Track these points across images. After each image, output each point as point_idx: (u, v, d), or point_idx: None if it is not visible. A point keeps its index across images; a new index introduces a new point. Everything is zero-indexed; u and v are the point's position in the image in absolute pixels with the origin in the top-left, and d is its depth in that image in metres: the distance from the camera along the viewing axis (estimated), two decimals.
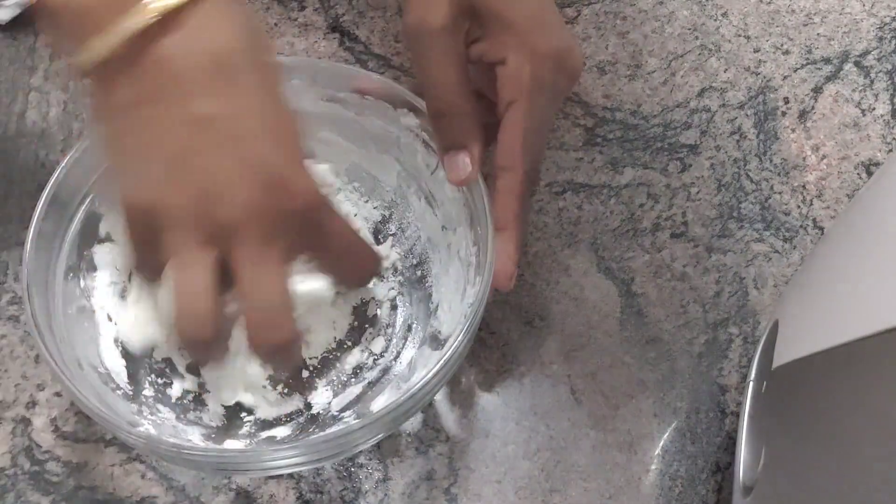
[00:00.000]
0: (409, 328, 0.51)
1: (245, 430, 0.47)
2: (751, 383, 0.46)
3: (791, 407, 0.38)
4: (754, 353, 0.47)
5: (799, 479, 0.36)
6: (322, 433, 0.46)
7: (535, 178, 0.47)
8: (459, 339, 0.42)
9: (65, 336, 0.44)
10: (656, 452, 0.50)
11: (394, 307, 0.51)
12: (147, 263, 0.39)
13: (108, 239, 0.49)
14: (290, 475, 0.48)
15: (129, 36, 0.35)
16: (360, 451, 0.49)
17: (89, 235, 0.48)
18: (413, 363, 0.49)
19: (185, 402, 0.48)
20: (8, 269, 0.52)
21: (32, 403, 0.49)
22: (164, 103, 0.36)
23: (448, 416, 0.50)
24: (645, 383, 0.51)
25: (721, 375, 0.52)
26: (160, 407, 0.47)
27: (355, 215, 0.53)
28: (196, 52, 0.36)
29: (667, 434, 0.50)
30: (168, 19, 0.35)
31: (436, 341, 0.49)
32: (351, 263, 0.41)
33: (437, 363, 0.42)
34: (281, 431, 0.47)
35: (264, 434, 0.47)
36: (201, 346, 0.38)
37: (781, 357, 0.41)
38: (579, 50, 0.46)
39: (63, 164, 0.45)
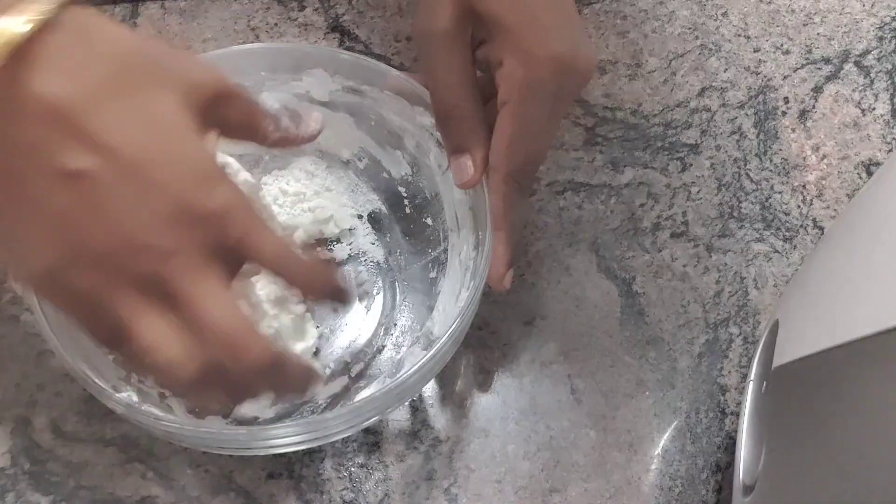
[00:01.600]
0: (408, 327, 0.51)
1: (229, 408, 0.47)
2: (751, 383, 0.46)
3: (791, 407, 0.38)
4: (754, 353, 0.47)
5: (799, 479, 0.36)
6: (301, 419, 0.46)
7: (526, 179, 0.47)
8: (443, 340, 0.43)
9: None
10: (656, 452, 0.50)
11: (394, 306, 0.51)
12: (104, 333, 0.35)
13: None
14: (291, 475, 0.48)
15: None
16: (359, 451, 0.49)
17: None
18: (402, 361, 0.49)
19: None
20: (8, 268, 0.52)
21: (32, 403, 0.49)
22: (30, 162, 0.31)
23: (449, 416, 0.50)
24: (645, 383, 0.51)
25: (721, 375, 0.52)
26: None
27: (353, 215, 0.53)
28: (54, 96, 0.31)
29: (667, 434, 0.50)
30: (17, 59, 0.30)
31: (427, 342, 0.49)
32: (294, 278, 0.37)
33: (419, 361, 0.42)
34: (265, 414, 0.47)
35: (248, 415, 0.47)
36: (193, 392, 0.36)
37: (781, 357, 0.41)
38: (588, 52, 0.45)
39: None
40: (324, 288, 0.37)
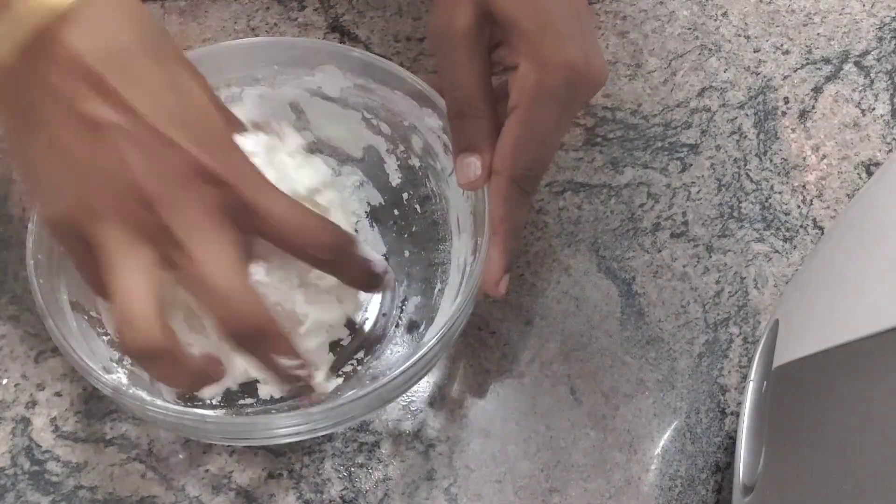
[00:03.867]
0: (406, 327, 0.51)
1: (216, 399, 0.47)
2: (751, 383, 0.46)
3: (791, 407, 0.38)
4: (754, 353, 0.47)
5: (799, 479, 0.36)
6: (286, 412, 0.46)
7: (530, 186, 0.47)
8: (430, 344, 0.43)
9: (62, 276, 0.45)
10: (656, 452, 0.50)
11: (393, 306, 0.52)
12: (95, 280, 0.38)
13: None
14: (291, 475, 0.48)
15: (20, 40, 0.34)
16: (359, 451, 0.49)
17: None
18: (392, 361, 0.49)
19: None
20: (8, 269, 0.52)
21: (32, 403, 0.49)
22: (60, 110, 0.35)
23: (449, 416, 0.50)
24: (645, 383, 0.51)
25: (721, 375, 0.52)
26: None
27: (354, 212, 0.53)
28: (88, 53, 0.35)
29: (667, 434, 0.50)
30: (59, 20, 0.34)
31: (418, 344, 0.49)
32: (301, 236, 0.40)
33: (405, 364, 0.42)
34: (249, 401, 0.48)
35: (238, 402, 0.47)
36: (150, 359, 0.37)
37: (781, 357, 0.41)
38: (600, 63, 0.45)
39: None
40: (338, 249, 0.41)
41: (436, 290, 0.50)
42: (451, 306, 0.48)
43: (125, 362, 0.46)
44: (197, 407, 0.46)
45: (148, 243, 0.37)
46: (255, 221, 0.38)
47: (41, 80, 0.35)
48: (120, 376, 0.44)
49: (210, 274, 0.36)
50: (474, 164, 0.45)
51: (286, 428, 0.42)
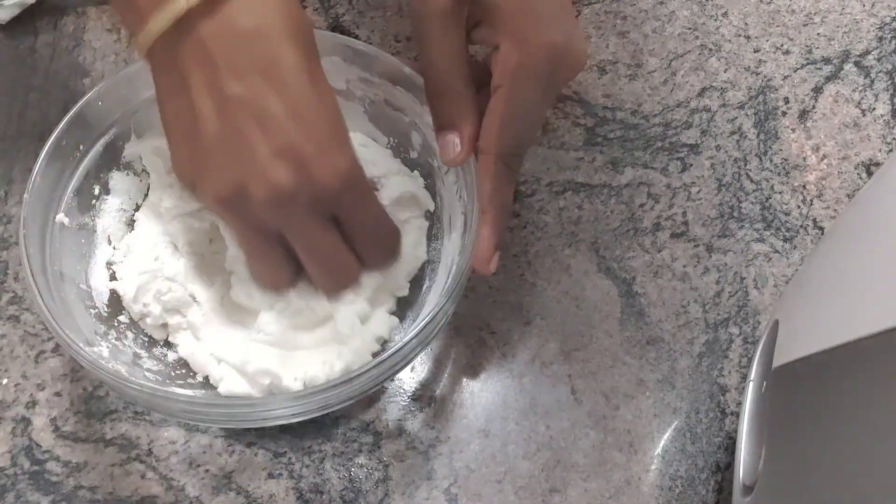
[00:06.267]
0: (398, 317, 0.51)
1: (198, 380, 0.47)
2: (751, 383, 0.46)
3: (791, 407, 0.38)
4: (754, 353, 0.47)
5: (799, 479, 0.36)
6: (253, 398, 0.46)
7: (515, 163, 0.48)
8: (407, 338, 0.43)
9: (57, 247, 0.46)
10: (656, 452, 0.50)
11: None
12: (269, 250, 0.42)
13: (128, 167, 0.51)
14: (291, 475, 0.48)
15: (173, 19, 0.37)
16: (359, 451, 0.49)
17: (110, 160, 0.50)
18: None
19: (154, 339, 0.49)
20: (8, 268, 0.52)
21: (32, 403, 0.49)
22: (202, 85, 0.38)
23: (448, 416, 0.50)
24: (645, 383, 0.51)
25: (721, 375, 0.52)
26: (129, 334, 0.48)
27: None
28: (233, 34, 0.38)
29: (667, 434, 0.50)
30: (210, 3, 0.37)
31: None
32: (379, 242, 0.44)
33: (374, 362, 0.43)
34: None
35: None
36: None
37: (781, 357, 0.41)
38: (581, 44, 0.46)
39: (97, 88, 0.48)
40: (389, 256, 0.45)
41: (423, 288, 0.50)
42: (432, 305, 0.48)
43: (111, 336, 0.46)
44: (178, 388, 0.47)
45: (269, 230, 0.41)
46: (349, 220, 0.42)
47: (192, 54, 0.38)
48: (101, 349, 0.45)
49: (315, 249, 0.43)
50: (454, 142, 0.47)
51: (238, 414, 0.44)
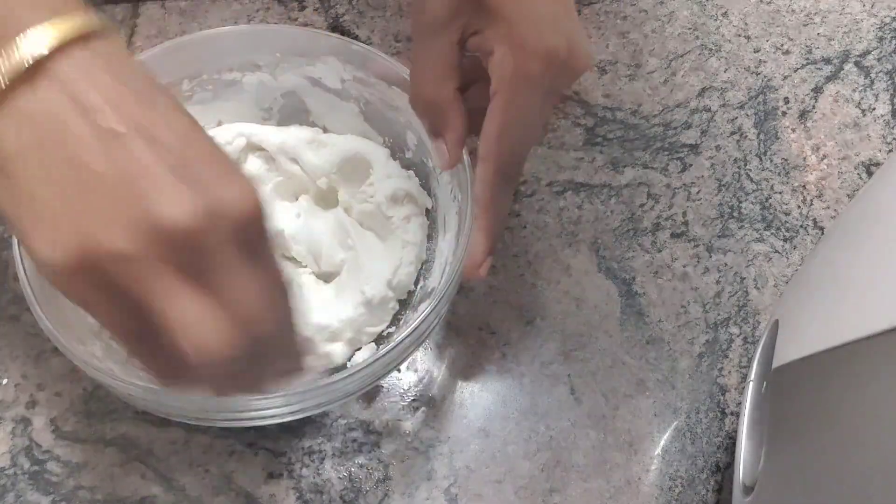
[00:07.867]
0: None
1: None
2: (751, 383, 0.46)
3: (791, 407, 0.38)
4: (754, 353, 0.47)
5: (799, 479, 0.36)
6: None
7: (514, 171, 0.47)
8: (400, 338, 0.43)
9: None
10: (656, 452, 0.50)
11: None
12: (131, 322, 0.33)
13: None
14: (291, 475, 0.48)
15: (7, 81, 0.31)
16: (359, 451, 0.49)
17: None
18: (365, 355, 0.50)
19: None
20: (8, 269, 0.52)
21: (32, 403, 0.49)
22: (70, 126, 0.32)
23: (448, 415, 0.50)
24: (645, 383, 0.51)
25: (721, 375, 0.52)
26: None
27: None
28: (71, 108, 0.32)
29: (667, 434, 0.50)
30: (39, 69, 0.31)
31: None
32: (264, 305, 0.34)
33: (360, 366, 0.42)
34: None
35: None
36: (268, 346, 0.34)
37: (781, 357, 0.41)
38: (584, 48, 0.45)
39: None
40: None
41: (418, 287, 0.51)
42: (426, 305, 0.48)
43: (104, 335, 0.45)
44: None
45: (182, 270, 0.32)
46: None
47: (27, 123, 0.32)
48: (94, 348, 0.45)
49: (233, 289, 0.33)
50: (441, 148, 0.47)
51: (246, 411, 0.43)
